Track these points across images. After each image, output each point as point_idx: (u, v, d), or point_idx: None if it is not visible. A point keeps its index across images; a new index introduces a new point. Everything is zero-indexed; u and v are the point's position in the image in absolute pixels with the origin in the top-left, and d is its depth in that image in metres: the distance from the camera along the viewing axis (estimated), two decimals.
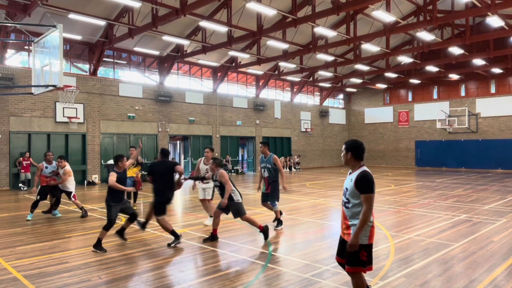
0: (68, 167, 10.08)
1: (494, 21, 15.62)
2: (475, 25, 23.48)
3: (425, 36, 17.93)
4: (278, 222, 8.45)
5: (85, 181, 19.14)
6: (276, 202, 8.47)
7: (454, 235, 7.74)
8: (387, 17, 15.85)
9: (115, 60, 21.37)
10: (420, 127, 31.43)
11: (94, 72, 19.80)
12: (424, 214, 10.11)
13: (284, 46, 20.64)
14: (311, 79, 30.12)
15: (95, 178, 19.66)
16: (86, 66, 20.18)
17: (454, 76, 27.69)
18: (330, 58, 23.91)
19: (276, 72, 26.88)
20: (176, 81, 23.83)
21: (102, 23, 17.12)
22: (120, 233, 7.27)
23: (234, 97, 26.51)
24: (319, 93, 33.72)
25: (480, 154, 28.19)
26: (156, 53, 21.77)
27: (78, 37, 18.18)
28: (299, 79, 29.94)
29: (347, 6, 15.06)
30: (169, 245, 7.05)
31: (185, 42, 19.91)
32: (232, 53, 21.39)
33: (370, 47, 20.40)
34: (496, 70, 26.34)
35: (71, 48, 19.78)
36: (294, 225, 8.92)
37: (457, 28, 23.82)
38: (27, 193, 15.36)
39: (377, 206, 11.29)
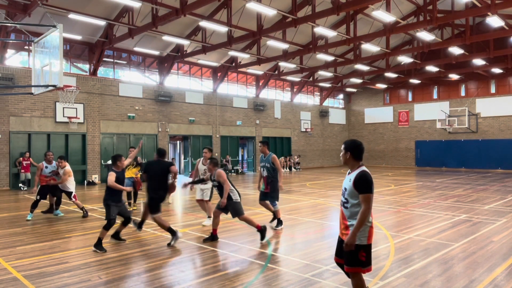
0: (68, 167, 10.08)
1: (494, 21, 15.62)
2: (475, 25, 23.48)
3: (425, 36, 17.93)
4: (278, 222, 8.45)
5: (85, 181, 19.15)
6: (276, 202, 8.47)
7: (454, 235, 7.74)
8: (387, 17, 15.86)
9: (115, 60, 21.37)
10: (420, 127, 31.43)
11: (94, 72, 19.80)
12: (424, 214, 10.11)
13: (284, 46, 20.64)
14: (311, 79, 30.12)
15: (95, 178, 19.66)
16: (86, 66, 20.19)
17: (454, 76, 27.70)
18: (330, 58, 23.91)
19: (276, 72, 26.88)
20: (176, 81, 23.83)
21: (102, 23, 17.12)
22: (116, 237, 7.30)
23: (234, 97, 26.51)
24: (319, 93, 33.72)
25: (480, 154, 28.19)
26: (156, 53, 21.77)
27: (78, 37, 18.18)
28: (299, 79, 29.95)
29: (347, 6, 15.06)
30: (168, 245, 7.06)
31: (185, 42, 19.91)
32: (232, 53, 21.39)
33: (370, 47, 20.41)
34: (496, 70, 26.34)
35: (71, 48, 19.78)
36: (294, 225, 8.92)
37: (457, 28, 23.83)
38: (27, 193, 15.36)
39: (377, 206, 11.29)
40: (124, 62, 22.01)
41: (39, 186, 9.84)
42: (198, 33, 19.91)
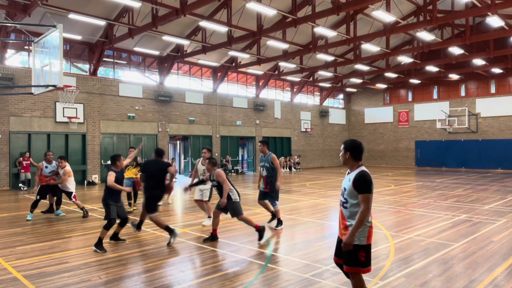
0: (68, 167, 10.09)
1: (494, 21, 15.61)
2: (475, 25, 23.48)
3: (425, 36, 17.93)
4: (278, 222, 8.45)
5: (85, 181, 19.15)
6: (276, 202, 8.47)
7: (454, 235, 7.74)
8: (387, 17, 15.86)
9: (115, 60, 21.37)
10: (420, 127, 31.43)
11: (94, 72, 19.80)
12: (424, 214, 10.11)
13: (284, 46, 20.64)
14: (311, 79, 30.12)
15: (95, 178, 19.66)
16: (86, 66, 20.19)
17: (454, 76, 27.70)
18: (330, 58, 23.91)
19: (276, 72, 26.88)
20: (176, 81, 23.83)
21: (102, 23, 17.12)
22: (115, 238, 7.30)
23: (234, 97, 26.51)
24: (319, 93, 33.72)
25: (480, 154, 28.20)
26: (156, 53, 21.77)
27: (78, 37, 18.18)
28: (299, 79, 29.95)
29: (347, 6, 15.05)
30: (168, 244, 7.06)
31: (185, 42, 19.91)
32: (232, 53, 21.39)
33: (370, 47, 20.41)
34: (496, 70, 26.34)
35: (71, 48, 19.78)
36: (294, 225, 8.92)
37: (457, 28, 23.83)
38: (27, 193, 15.37)
39: (377, 206, 11.30)
40: (124, 62, 22.01)
41: (39, 186, 9.85)
42: (198, 33, 19.91)
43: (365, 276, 4.36)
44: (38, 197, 9.81)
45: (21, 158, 17.02)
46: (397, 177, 22.02)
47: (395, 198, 13.37)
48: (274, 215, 8.59)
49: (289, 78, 29.51)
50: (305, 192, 15.37)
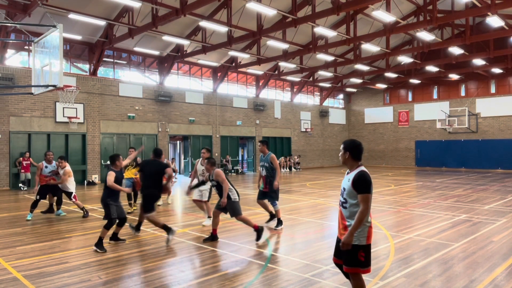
0: (68, 168, 10.09)
1: (494, 21, 15.61)
2: (475, 25, 23.49)
3: (425, 36, 17.93)
4: (278, 222, 8.45)
5: (85, 181, 19.15)
6: (277, 202, 8.47)
7: (454, 235, 7.74)
8: (387, 17, 15.86)
9: (115, 60, 21.37)
10: (420, 127, 31.43)
11: (94, 72, 19.80)
12: (424, 214, 10.11)
13: (284, 46, 20.64)
14: (311, 79, 30.12)
15: (95, 178, 19.66)
16: (86, 66, 20.19)
17: (454, 76, 27.70)
18: (330, 58, 23.91)
19: (276, 72, 26.88)
20: (176, 81, 23.83)
21: (102, 23, 17.12)
22: (115, 238, 7.30)
23: (234, 97, 26.51)
24: (319, 93, 33.72)
25: (480, 154, 28.20)
26: (156, 53, 21.77)
27: (78, 37, 18.18)
28: (299, 79, 29.94)
29: (347, 6, 15.05)
30: (166, 243, 7.08)
31: (185, 42, 19.91)
32: (232, 53, 21.39)
33: (370, 47, 20.40)
34: (496, 70, 26.34)
35: (71, 48, 19.78)
36: (294, 225, 8.92)
37: (457, 28, 23.83)
38: (27, 193, 15.37)
39: (377, 206, 11.30)
40: (124, 62, 22.01)
41: (39, 186, 9.85)
42: (198, 33, 19.91)
43: (365, 276, 4.36)
44: (38, 197, 9.81)
45: (21, 158, 17.02)
46: (397, 177, 22.02)
47: (395, 198, 13.37)
48: (273, 215, 8.60)
49: (289, 78, 29.51)
50: (305, 192, 15.37)
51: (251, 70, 26.20)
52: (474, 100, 28.75)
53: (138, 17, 17.34)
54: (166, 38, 18.64)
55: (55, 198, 10.27)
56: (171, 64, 22.21)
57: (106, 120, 20.18)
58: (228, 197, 7.07)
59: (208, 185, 8.56)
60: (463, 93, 29.57)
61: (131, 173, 11.06)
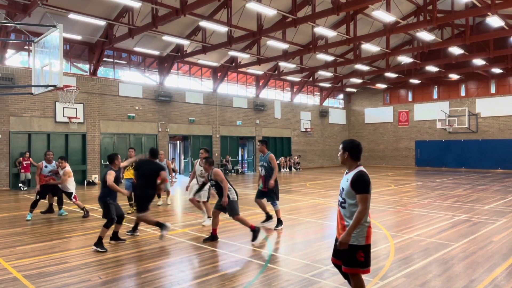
0: (68, 168, 10.09)
1: (494, 21, 15.61)
2: (475, 25, 23.49)
3: (425, 36, 17.93)
4: (278, 222, 8.45)
5: (85, 181, 19.15)
6: (277, 202, 8.47)
7: (454, 235, 7.74)
8: (387, 17, 15.86)
9: (115, 60, 21.37)
10: (420, 127, 31.43)
11: (94, 72, 19.80)
12: (424, 214, 10.11)
13: (284, 46, 20.64)
14: (311, 79, 30.12)
15: (95, 178, 19.66)
16: (86, 66, 20.19)
17: (454, 76, 27.69)
18: (330, 58, 23.91)
19: (276, 72, 26.88)
20: (176, 81, 23.83)
21: (102, 23, 17.12)
22: (115, 238, 7.30)
23: (234, 97, 26.51)
24: (319, 93, 33.72)
25: (480, 154, 28.20)
26: (156, 53, 21.77)
27: (78, 37, 18.19)
28: (299, 79, 29.95)
29: (347, 6, 15.05)
30: (160, 238, 7.17)
31: (185, 42, 19.91)
32: (232, 53, 21.39)
33: (370, 47, 20.40)
34: (496, 70, 26.34)
35: (71, 48, 19.78)
36: (294, 225, 8.92)
37: (457, 28, 23.83)
38: (27, 193, 15.37)
39: (377, 206, 11.30)
40: (124, 62, 22.01)
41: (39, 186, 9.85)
42: (198, 33, 19.91)
43: (365, 276, 4.37)
44: (37, 197, 9.81)
45: (21, 158, 17.02)
46: (397, 177, 22.02)
47: (395, 198, 13.37)
48: (269, 216, 8.61)
49: (289, 78, 29.51)
50: (305, 192, 15.37)
51: (251, 70, 26.20)
52: (474, 100, 28.75)
53: (138, 17, 17.34)
54: (166, 38, 18.64)
55: (55, 198, 10.28)
56: (171, 64, 22.21)
57: (106, 120, 20.18)
58: (227, 196, 7.07)
59: (207, 185, 8.56)
60: (463, 93, 29.57)
61: (130, 174, 11.04)
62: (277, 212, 8.46)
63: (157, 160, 8.40)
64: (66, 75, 17.73)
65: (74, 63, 20.12)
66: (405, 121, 32.17)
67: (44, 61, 8.75)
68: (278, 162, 8.65)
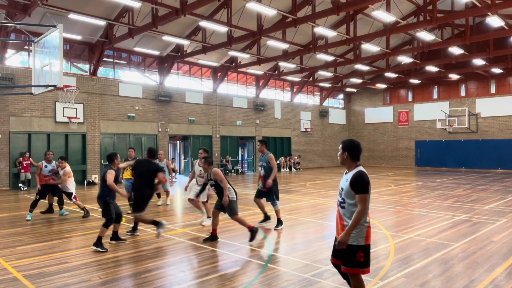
0: (68, 168, 10.09)
1: (494, 21, 15.61)
2: (475, 25, 23.49)
3: (425, 36, 17.93)
4: (278, 222, 8.45)
5: (85, 181, 19.15)
6: (277, 202, 8.47)
7: (454, 235, 7.74)
8: (387, 17, 15.85)
9: (115, 60, 21.37)
10: (420, 127, 31.43)
11: (94, 72, 19.80)
12: (424, 214, 10.11)
13: (284, 46, 20.64)
14: (311, 79, 30.12)
15: (95, 178, 19.66)
16: (86, 66, 20.19)
17: (454, 76, 27.70)
18: (330, 58, 23.91)
19: (276, 72, 26.89)
20: (176, 81, 23.83)
21: (102, 23, 17.12)
22: (115, 238, 7.30)
23: (234, 97, 26.51)
24: (319, 93, 33.72)
25: (480, 154, 28.20)
26: (156, 53, 21.77)
27: (78, 37, 18.18)
28: (299, 79, 29.95)
29: (347, 6, 15.05)
30: (157, 236, 7.17)
31: (185, 42, 19.91)
32: (232, 53, 21.39)
33: (370, 47, 20.40)
34: (496, 70, 26.33)
35: (71, 48, 19.78)
36: (294, 225, 8.92)
37: (457, 28, 23.83)
38: (27, 193, 15.37)
39: (377, 206, 11.30)
40: (124, 62, 22.01)
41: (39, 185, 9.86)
42: (198, 33, 19.91)
43: (365, 276, 4.36)
44: (37, 196, 9.81)
45: (21, 158, 17.02)
46: (397, 177, 22.02)
47: (395, 198, 13.37)
48: (267, 216, 8.61)
49: (289, 78, 29.51)
50: (305, 192, 15.37)
51: (251, 70, 26.20)
52: (474, 100, 28.75)
53: (138, 17, 17.34)
54: (166, 38, 18.64)
55: (55, 198, 10.28)
56: (171, 64, 22.21)
57: (106, 120, 20.18)
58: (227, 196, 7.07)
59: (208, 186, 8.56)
60: (463, 93, 29.57)
61: (130, 174, 11.04)
62: (277, 212, 8.46)
63: (157, 160, 8.43)
64: (66, 75, 17.74)
65: (74, 63, 20.12)
66: (405, 121, 32.17)
67: (44, 61, 8.75)
68: (278, 162, 8.64)
